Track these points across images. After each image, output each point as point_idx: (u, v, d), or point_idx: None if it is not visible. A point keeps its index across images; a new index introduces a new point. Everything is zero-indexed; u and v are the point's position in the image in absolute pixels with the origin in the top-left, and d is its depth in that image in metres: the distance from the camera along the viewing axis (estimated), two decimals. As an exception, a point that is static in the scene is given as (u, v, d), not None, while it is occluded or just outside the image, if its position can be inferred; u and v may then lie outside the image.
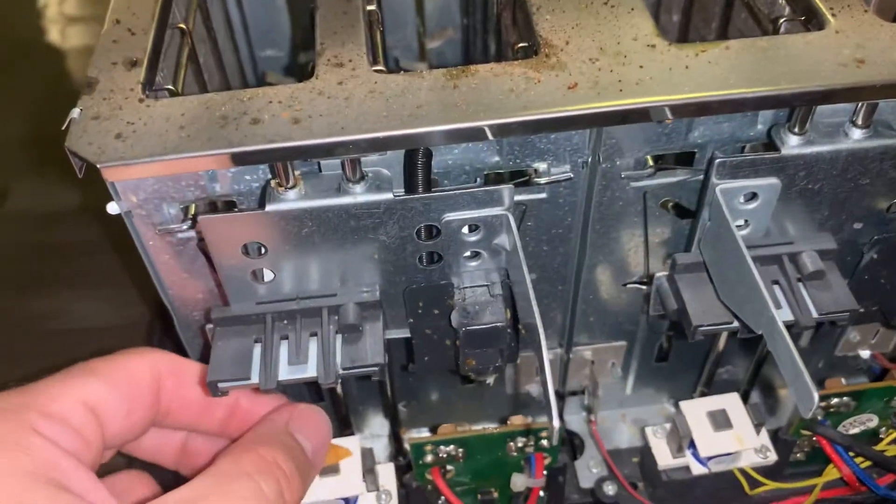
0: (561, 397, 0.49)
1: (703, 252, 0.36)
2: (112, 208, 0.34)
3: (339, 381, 0.34)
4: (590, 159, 0.35)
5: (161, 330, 0.58)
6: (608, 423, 0.50)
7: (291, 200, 0.32)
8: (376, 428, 0.50)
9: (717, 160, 0.33)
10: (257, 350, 0.35)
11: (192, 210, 0.35)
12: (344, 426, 0.45)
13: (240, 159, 0.29)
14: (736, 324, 0.35)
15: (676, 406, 0.44)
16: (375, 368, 0.34)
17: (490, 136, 0.30)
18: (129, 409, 0.32)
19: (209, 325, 0.36)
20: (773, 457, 0.43)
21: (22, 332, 0.63)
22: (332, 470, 0.41)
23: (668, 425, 0.44)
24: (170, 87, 0.34)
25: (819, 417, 0.43)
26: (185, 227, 0.34)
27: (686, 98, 0.30)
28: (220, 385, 0.33)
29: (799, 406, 0.28)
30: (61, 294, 0.65)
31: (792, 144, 0.33)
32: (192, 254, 0.36)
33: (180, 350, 0.42)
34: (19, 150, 0.78)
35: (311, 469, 0.35)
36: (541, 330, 0.29)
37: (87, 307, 0.65)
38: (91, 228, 0.70)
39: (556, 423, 0.27)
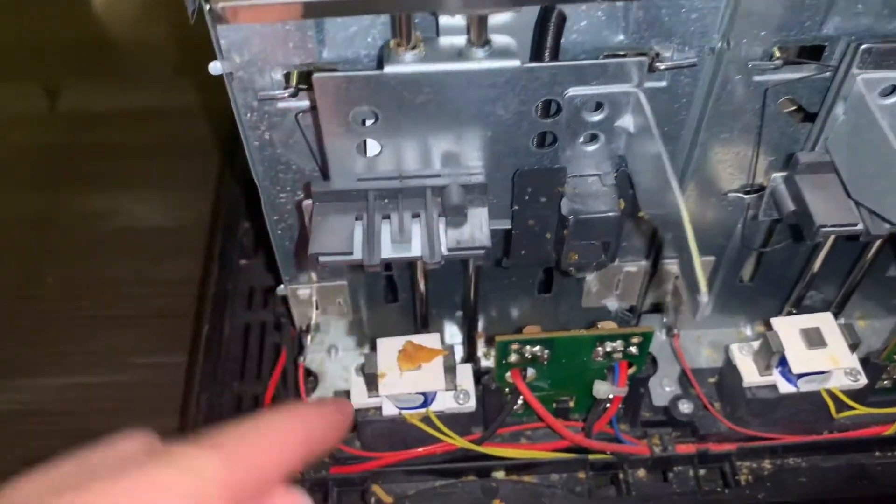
0: (637, 314, 0.48)
1: (830, 150, 0.34)
2: (214, 68, 0.32)
3: (443, 262, 0.33)
4: (718, 45, 0.33)
5: (224, 234, 0.57)
6: (684, 344, 0.49)
7: (411, 63, 0.30)
8: (446, 335, 0.49)
9: (863, 47, 0.31)
10: (358, 228, 0.33)
11: (294, 79, 0.33)
12: (423, 325, 0.43)
13: (369, 5, 0.27)
14: (860, 226, 0.33)
15: (767, 324, 0.42)
16: (482, 251, 0.33)
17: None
18: None
19: (307, 201, 0.35)
20: (863, 380, 0.41)
21: (77, 230, 0.62)
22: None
23: (754, 343, 0.43)
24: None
25: (916, 341, 0.41)
26: (286, 94, 0.33)
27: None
28: (322, 259, 0.32)
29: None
30: (116, 193, 0.64)
31: (943, 34, 0.31)
32: (290, 127, 0.35)
33: (261, 233, 0.41)
34: (69, 52, 0.75)
35: None
36: (679, 198, 0.27)
37: (141, 207, 0.64)
38: (142, 131, 0.69)
39: (704, 297, 0.25)
